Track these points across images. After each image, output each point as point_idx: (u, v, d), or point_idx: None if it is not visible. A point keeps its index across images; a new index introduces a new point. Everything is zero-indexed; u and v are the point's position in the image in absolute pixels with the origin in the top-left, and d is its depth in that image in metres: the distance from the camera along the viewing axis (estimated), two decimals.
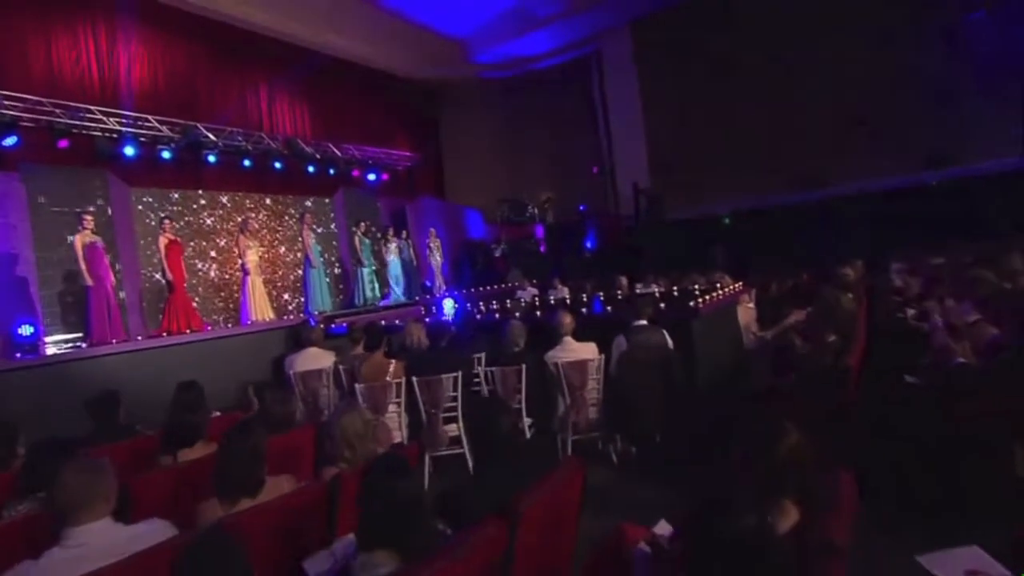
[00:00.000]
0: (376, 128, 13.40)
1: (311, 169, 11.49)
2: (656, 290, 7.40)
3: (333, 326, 8.59)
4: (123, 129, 9.15)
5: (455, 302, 9.57)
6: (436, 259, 12.11)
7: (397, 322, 7.81)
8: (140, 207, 9.60)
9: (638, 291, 7.65)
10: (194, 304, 8.97)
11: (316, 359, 5.65)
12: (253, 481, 2.56)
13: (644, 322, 4.86)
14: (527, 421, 4.76)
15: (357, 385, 4.67)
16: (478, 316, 7.14)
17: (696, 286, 6.62)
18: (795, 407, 3.10)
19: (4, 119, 8.11)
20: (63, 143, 8.55)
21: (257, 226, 9.54)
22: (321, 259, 10.04)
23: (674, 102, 13.20)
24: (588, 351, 4.77)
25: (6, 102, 8.17)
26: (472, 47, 14.01)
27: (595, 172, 14.30)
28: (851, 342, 3.78)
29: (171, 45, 10.26)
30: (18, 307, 7.87)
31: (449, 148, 15.48)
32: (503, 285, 11.77)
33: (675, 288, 6.84)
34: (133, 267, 9.36)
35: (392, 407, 4.73)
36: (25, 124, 8.28)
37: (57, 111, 8.53)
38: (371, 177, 12.67)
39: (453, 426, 4.77)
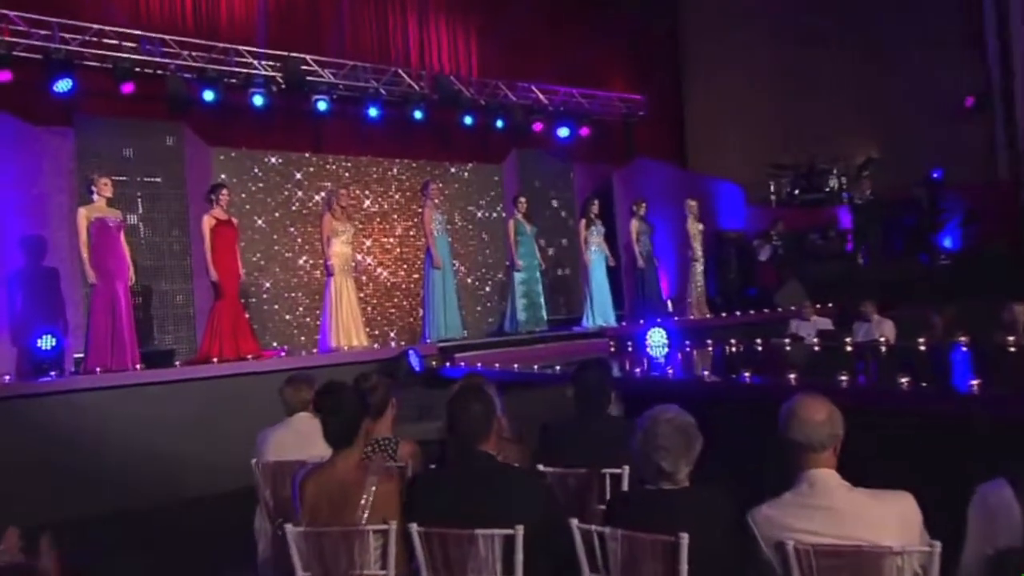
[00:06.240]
0: (576, 59, 12.52)
1: (469, 121, 10.96)
2: None
3: (447, 366, 7.50)
4: (206, 66, 9.00)
5: (667, 335, 8.42)
6: (697, 252, 10.70)
7: (550, 371, 6.64)
8: (224, 174, 9.29)
9: None
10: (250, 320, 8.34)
11: (302, 440, 3.86)
12: None
13: None
14: None
15: (288, 529, 2.76)
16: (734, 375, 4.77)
17: None
18: None
19: (58, 55, 8.31)
20: (127, 87, 8.67)
21: (346, 203, 8.72)
22: (450, 254, 8.90)
23: None
24: (881, 521, 2.16)
25: (63, 34, 8.37)
26: None
27: (968, 106, 12.47)
28: None
29: None
30: (43, 310, 7.73)
31: (693, 85, 14.67)
32: (770, 310, 10.64)
33: None
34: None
35: None
36: (87, 63, 8.53)
37: (124, 44, 8.66)
38: (562, 133, 11.88)
39: None
